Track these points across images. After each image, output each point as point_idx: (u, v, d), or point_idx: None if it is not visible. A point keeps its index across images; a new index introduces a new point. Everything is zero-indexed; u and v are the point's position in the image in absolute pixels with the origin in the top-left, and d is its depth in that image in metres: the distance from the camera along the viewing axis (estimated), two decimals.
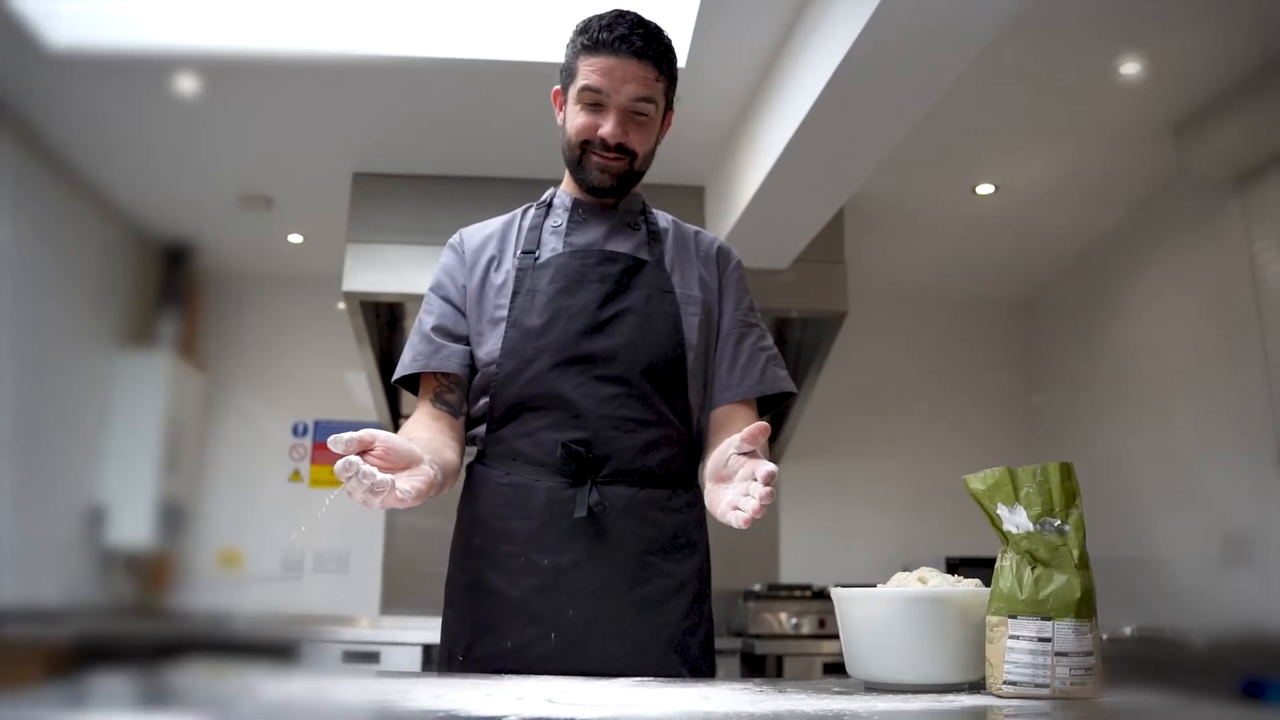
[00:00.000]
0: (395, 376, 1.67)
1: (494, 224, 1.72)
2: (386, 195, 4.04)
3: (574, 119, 1.61)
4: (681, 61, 3.13)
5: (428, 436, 1.52)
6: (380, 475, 1.18)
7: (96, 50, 3.28)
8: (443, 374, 1.61)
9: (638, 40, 1.57)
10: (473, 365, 1.62)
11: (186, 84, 3.47)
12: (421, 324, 1.65)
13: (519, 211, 1.74)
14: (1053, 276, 4.85)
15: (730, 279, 1.72)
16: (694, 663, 1.54)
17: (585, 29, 1.60)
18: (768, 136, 3.28)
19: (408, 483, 1.27)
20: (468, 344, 1.62)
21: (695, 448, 1.66)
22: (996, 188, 4.05)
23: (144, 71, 3.40)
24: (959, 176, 3.99)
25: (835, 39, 2.63)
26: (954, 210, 4.26)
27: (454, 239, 1.72)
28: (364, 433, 1.22)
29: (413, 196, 4.05)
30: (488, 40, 3.24)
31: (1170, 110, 3.47)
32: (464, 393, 1.63)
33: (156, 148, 3.92)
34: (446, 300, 1.65)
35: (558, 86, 1.67)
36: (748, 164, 3.51)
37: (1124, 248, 4.25)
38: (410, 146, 3.92)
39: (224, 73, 3.42)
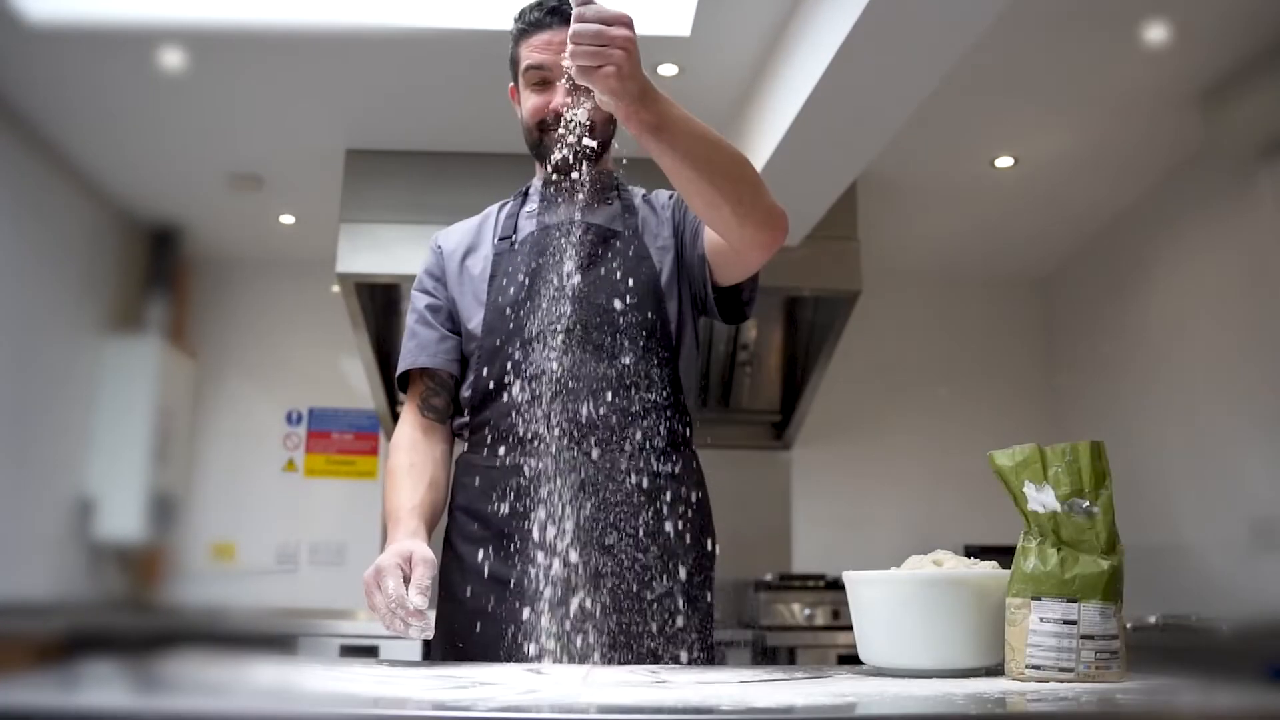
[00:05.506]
0: (397, 374, 1.78)
1: (469, 221, 1.83)
2: (381, 173, 4.01)
3: (526, 103, 1.70)
4: (685, 31, 3.23)
5: (421, 462, 1.65)
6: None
7: (77, 24, 3.26)
8: (429, 376, 1.71)
9: (568, 9, 1.62)
10: (461, 359, 1.71)
11: (171, 58, 3.44)
12: (407, 324, 1.76)
13: (495, 207, 1.83)
14: (1075, 253, 4.84)
15: (684, 206, 1.75)
16: (692, 650, 1.56)
17: (519, 17, 1.70)
18: (776, 108, 3.26)
19: (418, 596, 1.39)
20: (454, 338, 1.71)
21: (685, 414, 1.69)
22: (1016, 160, 4.03)
23: (127, 46, 3.37)
24: (977, 149, 3.97)
25: (845, 5, 2.62)
26: (972, 184, 4.24)
27: (431, 242, 1.83)
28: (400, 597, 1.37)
29: (408, 174, 4.02)
30: (484, 10, 3.20)
31: (1196, 77, 3.44)
32: (450, 394, 1.72)
33: (141, 125, 3.91)
34: (428, 295, 1.75)
35: (512, 84, 1.77)
36: (755, 138, 3.50)
37: (1149, 222, 4.25)
38: (405, 122, 3.89)
39: (210, 46, 3.39)
